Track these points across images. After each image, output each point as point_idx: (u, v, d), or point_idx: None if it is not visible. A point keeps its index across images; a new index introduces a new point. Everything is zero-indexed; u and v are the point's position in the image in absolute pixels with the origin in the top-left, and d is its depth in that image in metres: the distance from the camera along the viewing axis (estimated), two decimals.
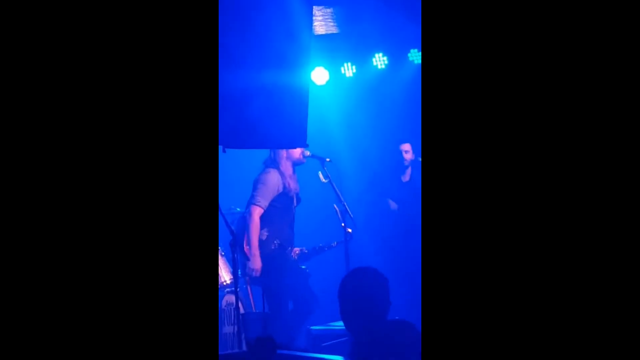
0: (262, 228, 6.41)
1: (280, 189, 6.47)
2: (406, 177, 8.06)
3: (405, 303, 6.20)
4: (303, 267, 6.75)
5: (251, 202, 6.41)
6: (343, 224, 6.46)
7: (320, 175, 6.80)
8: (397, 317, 4.12)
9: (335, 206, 6.55)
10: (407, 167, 7.97)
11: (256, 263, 6.30)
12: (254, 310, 6.33)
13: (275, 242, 6.45)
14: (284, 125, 4.74)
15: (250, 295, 6.55)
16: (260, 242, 6.39)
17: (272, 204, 6.45)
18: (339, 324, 3.71)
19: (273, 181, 6.45)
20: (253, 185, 6.51)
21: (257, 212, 6.37)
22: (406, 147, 7.94)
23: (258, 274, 6.32)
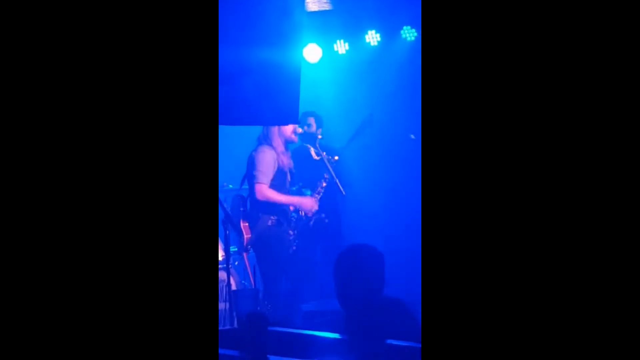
0: (259, 206, 6.44)
1: (275, 166, 6.48)
2: None
3: (400, 279, 6.21)
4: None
5: (254, 181, 6.42)
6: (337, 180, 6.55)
7: (312, 152, 6.82)
8: (391, 293, 4.13)
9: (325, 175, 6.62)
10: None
11: (308, 203, 6.69)
12: (253, 286, 6.37)
13: (271, 218, 6.47)
14: (276, 102, 4.73)
15: (249, 269, 6.57)
16: (258, 218, 6.42)
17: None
18: (334, 301, 3.71)
19: (269, 158, 6.47)
20: (249, 163, 6.52)
21: (265, 188, 6.43)
22: None
23: (316, 208, 6.68)
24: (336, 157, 6.77)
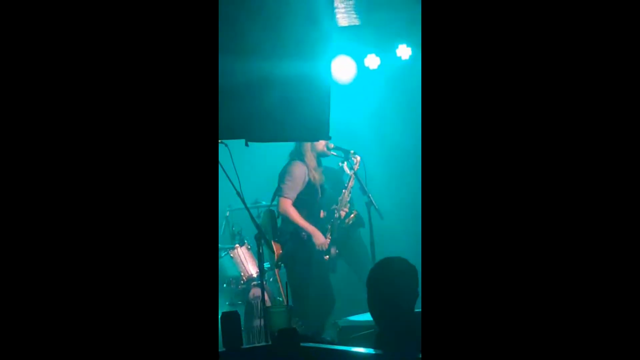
0: (290, 221, 6.43)
1: (306, 181, 6.47)
2: None
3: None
4: (326, 257, 6.72)
5: (279, 194, 6.43)
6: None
7: (345, 167, 6.80)
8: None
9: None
10: None
11: (319, 238, 6.55)
12: (286, 303, 6.35)
13: (303, 234, 6.46)
14: (306, 117, 4.70)
15: (280, 287, 6.56)
16: (288, 233, 6.41)
17: (298, 196, 6.47)
18: (367, 316, 3.69)
19: (299, 173, 6.47)
20: (279, 177, 6.52)
21: (288, 203, 6.43)
22: None
23: (326, 246, 6.58)
24: (352, 151, 6.73)
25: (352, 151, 6.78)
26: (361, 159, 6.77)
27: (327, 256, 6.69)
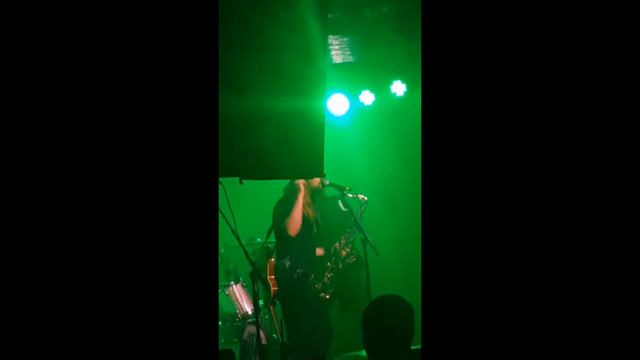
0: (283, 257, 6.41)
1: (300, 218, 6.45)
2: None
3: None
4: (324, 295, 6.71)
5: (285, 231, 6.43)
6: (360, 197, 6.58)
7: (340, 205, 6.79)
8: (420, 345, 4.06)
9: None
10: None
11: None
12: (280, 341, 6.32)
13: (298, 270, 6.43)
14: (301, 155, 4.68)
15: (276, 324, 6.52)
16: (283, 270, 6.38)
17: None
18: (362, 353, 3.66)
19: (295, 211, 6.44)
20: (275, 216, 6.50)
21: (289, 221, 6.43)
22: None
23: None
24: (347, 188, 6.72)
25: (347, 188, 6.78)
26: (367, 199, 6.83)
27: (327, 295, 6.68)
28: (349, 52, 7.82)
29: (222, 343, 7.05)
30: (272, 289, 6.27)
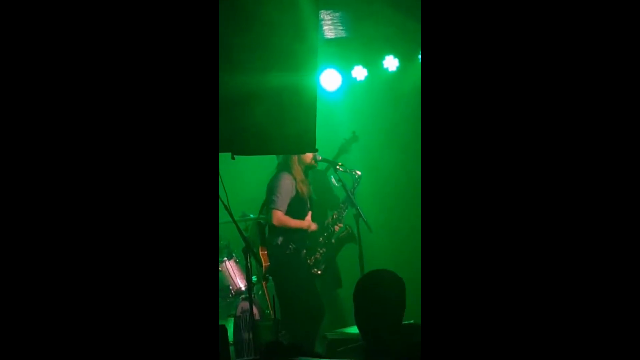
0: (276, 233, 6.42)
1: (294, 193, 6.47)
2: None
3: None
4: (316, 270, 6.72)
5: (271, 207, 6.42)
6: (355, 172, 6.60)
7: (333, 180, 6.80)
8: (412, 320, 4.07)
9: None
10: None
11: (312, 225, 6.64)
12: (273, 316, 6.35)
13: (290, 246, 6.45)
14: (293, 130, 4.67)
15: (268, 300, 6.54)
16: (275, 245, 6.40)
17: (287, 209, 6.46)
18: (354, 329, 3.67)
19: (287, 186, 6.46)
20: (268, 190, 6.51)
21: (280, 214, 6.43)
22: None
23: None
24: (339, 164, 6.73)
25: (339, 163, 6.78)
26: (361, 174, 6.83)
27: (319, 271, 6.70)
28: (341, 27, 7.79)
29: None
30: (264, 264, 6.29)
